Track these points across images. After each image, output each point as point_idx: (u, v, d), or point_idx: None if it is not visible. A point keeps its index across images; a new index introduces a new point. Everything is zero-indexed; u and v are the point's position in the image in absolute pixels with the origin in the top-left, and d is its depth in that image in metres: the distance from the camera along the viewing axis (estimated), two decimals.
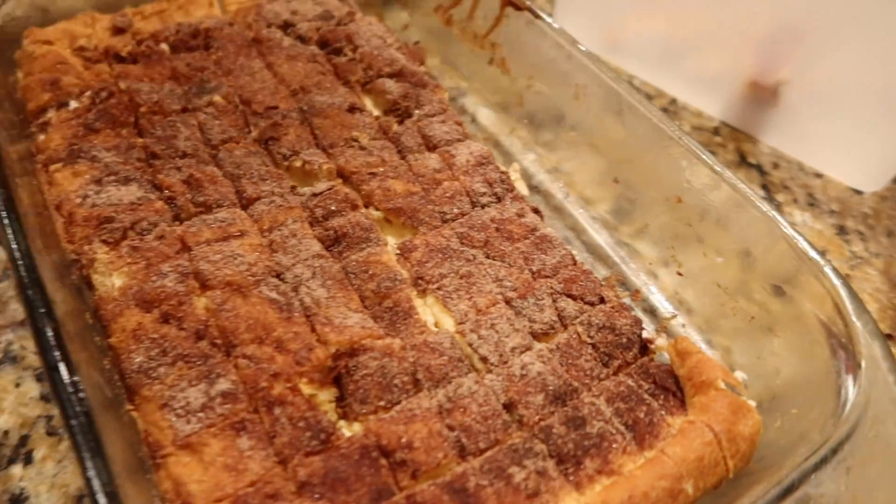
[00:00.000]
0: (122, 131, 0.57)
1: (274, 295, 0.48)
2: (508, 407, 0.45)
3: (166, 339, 0.44)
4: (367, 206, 0.56)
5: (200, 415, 0.41)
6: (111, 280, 0.48)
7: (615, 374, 0.48)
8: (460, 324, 0.49)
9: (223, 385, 0.42)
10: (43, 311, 0.38)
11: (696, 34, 0.76)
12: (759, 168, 0.77)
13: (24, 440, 0.49)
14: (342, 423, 0.44)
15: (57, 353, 0.36)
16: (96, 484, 0.32)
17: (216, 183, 0.54)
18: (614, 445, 0.43)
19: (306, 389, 0.43)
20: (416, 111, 0.65)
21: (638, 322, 0.50)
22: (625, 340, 0.49)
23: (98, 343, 0.45)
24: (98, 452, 0.33)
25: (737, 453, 0.43)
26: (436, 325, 0.50)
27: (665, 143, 0.58)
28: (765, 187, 0.75)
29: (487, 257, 0.54)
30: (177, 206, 0.52)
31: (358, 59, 0.68)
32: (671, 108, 0.82)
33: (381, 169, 0.59)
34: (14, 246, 0.41)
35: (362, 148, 0.60)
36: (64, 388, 0.35)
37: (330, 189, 0.56)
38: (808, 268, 0.49)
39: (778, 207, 0.72)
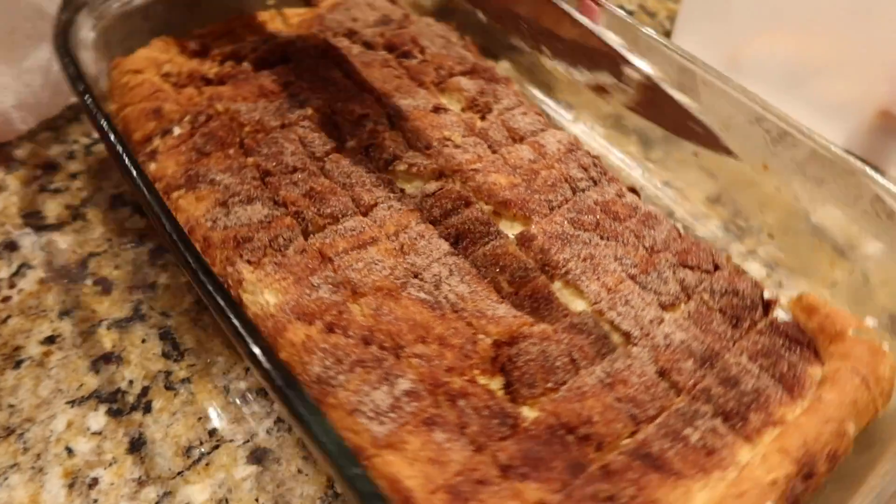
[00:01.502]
0: (229, 151, 0.58)
1: (422, 295, 0.50)
2: (661, 375, 0.48)
3: (338, 348, 0.46)
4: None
5: (392, 415, 0.43)
6: (263, 297, 0.49)
7: (747, 334, 0.51)
8: (595, 304, 0.52)
9: (405, 385, 0.44)
10: (250, 330, 0.39)
11: (824, 58, 0.72)
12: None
13: (145, 391, 0.54)
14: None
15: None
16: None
17: (336, 194, 0.56)
18: (771, 398, 0.46)
19: (480, 380, 0.46)
20: (496, 106, 0.67)
21: (758, 284, 0.54)
22: (749, 302, 0.53)
23: None
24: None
25: (882, 393, 0.46)
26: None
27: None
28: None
29: (602, 238, 0.56)
30: (305, 220, 0.54)
31: (428, 61, 0.70)
32: None
33: (480, 164, 0.61)
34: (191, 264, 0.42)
35: (457, 146, 0.62)
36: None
37: (441, 189, 0.58)
38: None
39: None
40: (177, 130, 0.59)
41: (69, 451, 0.50)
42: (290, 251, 0.51)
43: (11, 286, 0.60)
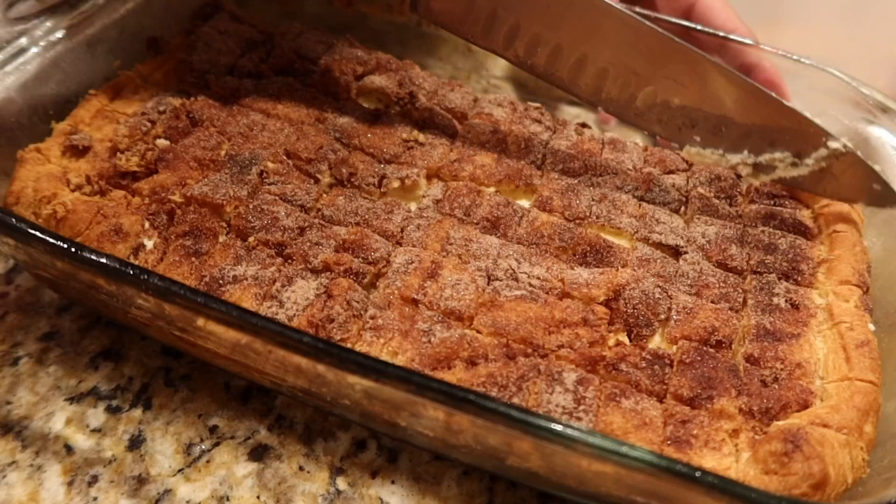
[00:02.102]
0: (220, 240, 0.50)
1: (515, 292, 0.50)
2: (722, 267, 0.55)
3: (492, 377, 0.45)
4: None
5: (582, 407, 0.44)
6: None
7: (746, 207, 0.60)
8: (635, 233, 0.56)
9: (571, 376, 0.46)
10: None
11: (823, 52, 0.71)
12: None
13: (145, 388, 0.53)
14: None
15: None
16: None
17: (367, 237, 0.52)
18: (802, 246, 0.56)
19: (620, 338, 0.48)
20: (420, 92, 0.66)
21: (726, 166, 0.63)
22: (731, 181, 0.62)
23: None
24: None
25: (860, 212, 0.59)
26: None
27: None
28: None
29: (596, 176, 0.61)
30: (360, 274, 0.50)
31: (331, 70, 0.66)
32: None
33: (456, 154, 0.61)
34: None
35: (421, 144, 0.61)
36: None
37: (447, 190, 0.57)
38: None
39: None
40: (148, 243, 0.49)
41: (68, 448, 0.49)
42: (372, 311, 0.48)
43: (8, 282, 0.58)
